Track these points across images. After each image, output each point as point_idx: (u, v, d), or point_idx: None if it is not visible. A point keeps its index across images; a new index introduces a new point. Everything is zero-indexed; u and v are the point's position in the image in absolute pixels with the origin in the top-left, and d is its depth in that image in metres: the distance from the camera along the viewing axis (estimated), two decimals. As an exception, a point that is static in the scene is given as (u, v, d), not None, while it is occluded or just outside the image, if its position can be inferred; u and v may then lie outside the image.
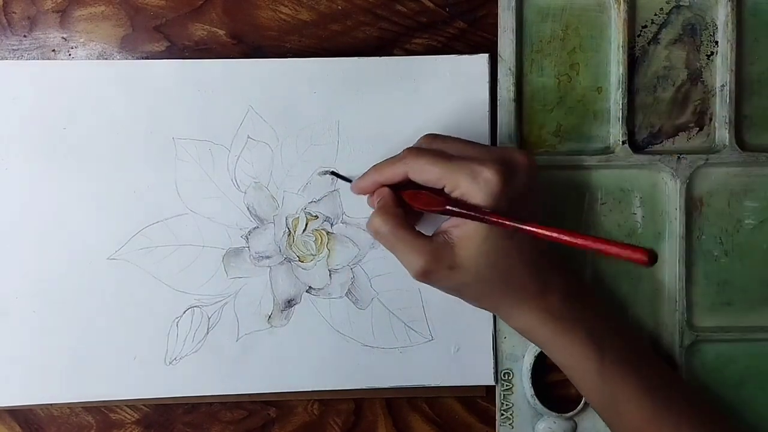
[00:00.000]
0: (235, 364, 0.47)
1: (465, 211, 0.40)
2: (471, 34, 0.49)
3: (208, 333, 0.47)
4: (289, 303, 0.48)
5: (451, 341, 0.48)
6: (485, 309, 0.46)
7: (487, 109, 0.48)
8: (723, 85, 0.49)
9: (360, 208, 0.47)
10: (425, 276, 0.41)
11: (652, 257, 0.35)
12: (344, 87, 0.48)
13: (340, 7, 0.49)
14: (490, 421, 0.49)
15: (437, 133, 0.44)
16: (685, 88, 0.50)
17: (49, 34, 0.48)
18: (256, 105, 0.47)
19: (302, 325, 0.48)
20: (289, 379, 0.48)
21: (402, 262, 0.42)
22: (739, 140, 0.49)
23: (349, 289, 0.48)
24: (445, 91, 0.48)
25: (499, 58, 0.48)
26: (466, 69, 0.48)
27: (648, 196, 0.49)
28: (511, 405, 0.49)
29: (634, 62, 0.49)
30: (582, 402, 0.48)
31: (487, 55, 0.48)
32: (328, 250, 0.48)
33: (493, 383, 0.48)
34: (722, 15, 0.49)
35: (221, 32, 0.49)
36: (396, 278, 0.48)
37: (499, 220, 0.39)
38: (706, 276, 0.49)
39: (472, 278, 0.41)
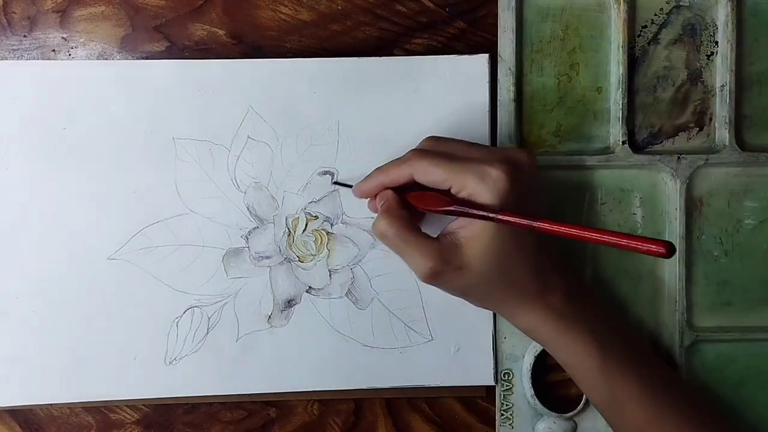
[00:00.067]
0: (235, 364, 0.47)
1: (475, 211, 0.40)
2: (471, 34, 0.49)
3: (208, 333, 0.47)
4: (289, 303, 0.48)
5: (451, 341, 0.48)
6: (489, 309, 0.46)
7: (487, 109, 0.48)
8: (723, 85, 0.49)
9: (360, 209, 0.47)
10: (433, 277, 0.41)
11: (671, 249, 0.35)
12: (344, 87, 0.48)
13: (340, 7, 0.49)
14: (490, 421, 0.49)
15: (439, 135, 0.44)
16: (685, 88, 0.50)
17: (49, 34, 0.48)
18: (256, 105, 0.47)
19: (302, 325, 0.48)
20: (289, 379, 0.48)
21: (409, 264, 0.42)
22: (739, 140, 0.49)
23: (349, 289, 0.48)
24: (445, 91, 0.48)
25: (499, 58, 0.48)
26: (466, 69, 0.48)
27: (648, 196, 0.49)
28: (511, 405, 0.49)
29: (634, 62, 0.49)
30: (582, 402, 0.48)
31: (487, 55, 0.48)
32: (328, 250, 0.48)
33: (493, 383, 0.48)
34: (722, 15, 0.49)
35: (221, 32, 0.49)
36: (396, 278, 0.48)
37: (512, 219, 0.39)
38: (706, 276, 0.49)
39: (478, 278, 0.41)
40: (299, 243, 0.48)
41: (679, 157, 0.48)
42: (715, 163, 0.49)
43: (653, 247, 0.35)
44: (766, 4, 0.49)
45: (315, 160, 0.48)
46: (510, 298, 0.43)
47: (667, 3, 0.49)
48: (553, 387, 0.49)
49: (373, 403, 0.49)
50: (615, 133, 0.49)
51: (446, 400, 0.49)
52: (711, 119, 0.50)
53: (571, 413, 0.48)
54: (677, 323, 0.48)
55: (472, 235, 0.41)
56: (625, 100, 0.48)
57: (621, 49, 0.48)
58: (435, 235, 0.42)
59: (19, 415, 0.48)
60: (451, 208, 0.41)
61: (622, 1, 0.48)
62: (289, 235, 0.48)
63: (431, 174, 0.41)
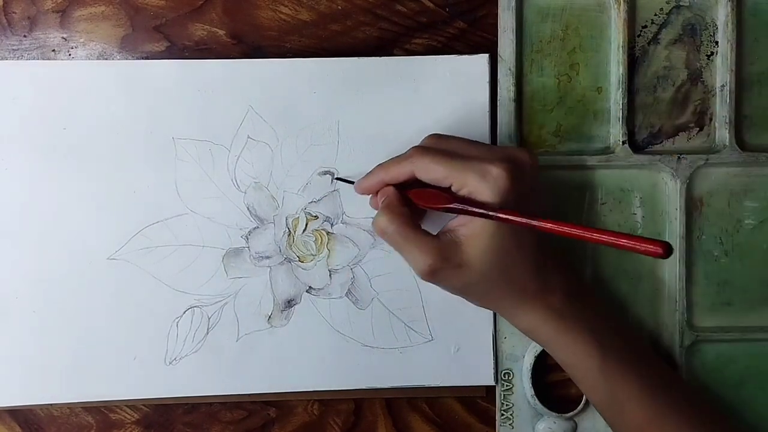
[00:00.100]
0: (235, 364, 0.47)
1: (476, 209, 0.40)
2: (471, 34, 0.49)
3: (208, 333, 0.47)
4: (289, 303, 0.48)
5: (451, 341, 0.48)
6: (488, 308, 0.46)
7: (487, 109, 0.48)
8: (723, 85, 0.49)
9: (360, 209, 0.47)
10: (432, 275, 0.41)
11: (668, 250, 0.35)
12: (344, 87, 0.48)
13: (340, 7, 0.49)
14: (490, 421, 0.49)
15: (441, 133, 0.44)
16: (685, 88, 0.50)
17: (49, 34, 0.48)
18: (256, 105, 0.47)
19: (302, 325, 0.48)
20: (289, 379, 0.48)
21: (408, 261, 0.42)
22: (739, 140, 0.49)
23: (349, 289, 0.48)
24: (445, 91, 0.48)
25: (499, 58, 0.48)
26: (466, 69, 0.48)
27: (648, 196, 0.49)
28: (511, 405, 0.49)
29: (634, 62, 0.49)
30: (582, 402, 0.48)
31: (487, 55, 0.48)
32: (328, 250, 0.48)
33: (493, 383, 0.48)
34: (722, 15, 0.49)
35: (221, 32, 0.49)
36: (396, 278, 0.48)
37: (512, 217, 0.39)
38: (706, 276, 0.49)
39: (478, 277, 0.41)
40: (299, 243, 0.48)
41: (679, 157, 0.48)
42: (715, 163, 0.49)
43: (651, 248, 0.35)
44: (766, 4, 0.49)
45: (315, 160, 0.48)
46: (509, 297, 0.43)
47: (667, 3, 0.49)
48: (553, 387, 0.49)
49: (373, 403, 0.49)
50: (615, 133, 0.49)
51: (446, 400, 0.49)
52: (711, 119, 0.50)
53: (571, 413, 0.48)
54: (677, 323, 0.48)
55: (472, 233, 0.41)
56: (625, 100, 0.48)
57: (621, 49, 0.48)
58: (435, 233, 0.42)
59: (19, 415, 0.48)
60: (452, 206, 0.41)
61: (622, 1, 0.48)
62: (289, 235, 0.48)
63: (432, 171, 0.41)
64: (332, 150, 0.48)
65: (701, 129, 0.50)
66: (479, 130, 0.48)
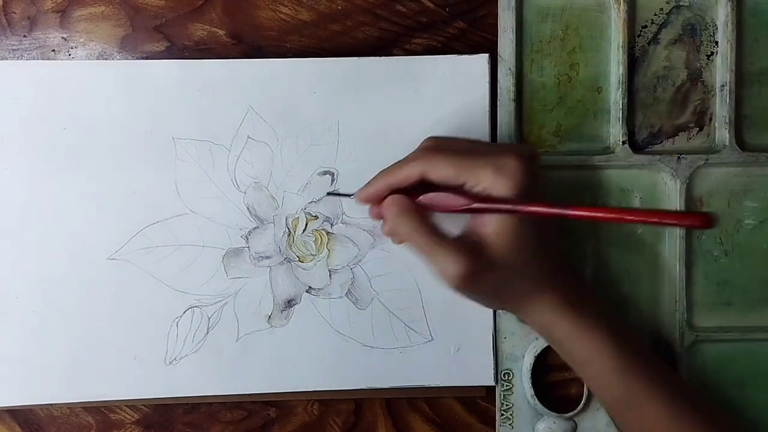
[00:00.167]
0: (235, 364, 0.47)
1: (502, 205, 0.39)
2: (471, 34, 0.49)
3: (208, 333, 0.47)
4: (289, 303, 0.48)
5: (451, 341, 0.48)
6: (506, 307, 0.45)
7: (487, 109, 0.48)
8: (723, 85, 0.49)
9: (360, 209, 0.47)
10: (466, 279, 0.39)
11: (713, 220, 0.35)
12: (344, 87, 0.48)
13: (340, 7, 0.49)
14: (490, 422, 0.49)
15: (438, 135, 0.44)
16: (685, 88, 0.50)
17: (49, 34, 0.48)
18: (256, 105, 0.47)
19: (302, 325, 0.48)
20: (289, 379, 0.48)
21: (439, 268, 0.39)
22: (739, 140, 0.49)
23: (349, 289, 0.48)
24: (445, 91, 0.48)
25: (499, 58, 0.48)
26: (466, 69, 0.48)
27: (648, 196, 0.49)
28: (511, 405, 0.49)
29: (634, 62, 0.49)
30: (582, 402, 0.48)
31: (487, 55, 0.48)
32: (328, 250, 0.48)
33: (493, 383, 0.48)
34: (722, 15, 0.49)
35: (221, 32, 0.49)
36: (396, 278, 0.48)
37: (542, 209, 0.38)
38: (706, 276, 0.49)
39: (508, 274, 0.40)
40: (299, 243, 0.48)
41: (679, 157, 0.48)
42: (715, 163, 0.49)
43: (693, 221, 0.35)
44: (766, 4, 0.49)
45: (315, 160, 0.48)
46: (531, 292, 0.41)
47: (667, 3, 0.49)
48: (553, 387, 0.49)
49: (373, 403, 0.49)
50: (615, 133, 0.49)
51: (446, 400, 0.49)
52: (711, 119, 0.50)
53: (571, 413, 0.48)
54: (677, 323, 0.48)
55: (496, 231, 0.39)
56: (625, 100, 0.48)
57: (621, 49, 0.48)
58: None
59: (19, 415, 0.48)
60: (474, 205, 0.39)
61: (622, 1, 0.48)
62: (289, 235, 0.48)
63: (443, 170, 0.40)
64: (332, 150, 0.48)
65: (701, 129, 0.50)
66: (479, 130, 0.48)
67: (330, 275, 0.48)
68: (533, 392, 0.48)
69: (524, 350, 0.49)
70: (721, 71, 0.49)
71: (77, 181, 0.47)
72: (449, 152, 0.40)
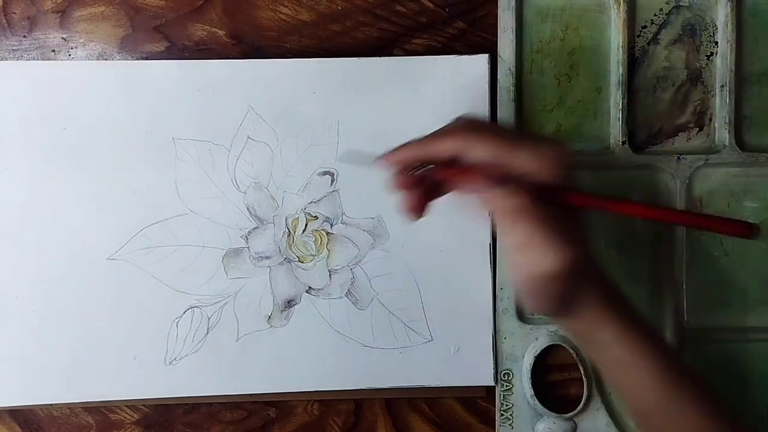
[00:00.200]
0: (235, 364, 0.47)
1: (600, 200, 0.37)
2: (471, 34, 0.49)
3: (208, 333, 0.47)
4: (289, 303, 0.48)
5: (451, 341, 0.48)
6: (561, 312, 0.40)
7: (487, 110, 0.48)
8: (723, 85, 0.49)
9: (360, 209, 0.47)
10: (573, 265, 0.36)
11: (755, 230, 0.35)
12: (344, 87, 0.48)
13: (340, 8, 0.49)
14: (490, 422, 0.49)
15: (471, 114, 0.40)
16: (685, 88, 0.50)
17: (49, 35, 0.48)
18: (256, 105, 0.47)
19: (302, 325, 0.48)
20: (289, 379, 0.48)
21: (546, 253, 0.35)
22: (739, 140, 0.49)
23: (348, 290, 0.48)
24: (445, 91, 0.48)
25: (499, 59, 0.48)
26: (466, 69, 0.48)
27: (648, 196, 0.49)
28: (511, 405, 0.49)
29: (634, 62, 0.49)
30: (582, 402, 0.48)
31: (487, 55, 0.48)
32: (328, 250, 0.48)
33: (493, 383, 0.48)
34: (722, 15, 0.49)
35: (221, 32, 0.49)
36: (396, 278, 0.48)
37: (628, 205, 0.37)
38: (706, 276, 0.49)
39: (590, 267, 0.38)
40: (299, 243, 0.48)
41: (679, 157, 0.48)
42: (715, 164, 0.49)
43: (735, 229, 0.35)
44: (766, 4, 0.49)
45: (315, 160, 0.48)
46: (587, 292, 0.39)
47: (667, 3, 0.49)
48: (553, 387, 0.49)
49: (373, 403, 0.49)
50: (615, 133, 0.49)
51: (446, 400, 0.49)
52: (711, 119, 0.50)
53: (571, 413, 0.48)
54: (677, 323, 0.48)
55: (576, 224, 0.37)
56: (625, 100, 0.48)
57: (621, 49, 0.48)
58: None
59: (19, 415, 0.48)
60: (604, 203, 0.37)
61: (622, 2, 0.48)
62: (289, 235, 0.48)
63: (485, 149, 0.36)
64: (332, 150, 0.48)
65: (701, 129, 0.50)
66: (479, 130, 0.48)
67: (330, 275, 0.48)
68: (533, 392, 0.48)
69: (524, 350, 0.49)
70: (721, 71, 0.49)
71: (77, 181, 0.47)
72: (491, 132, 0.38)
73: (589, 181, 0.49)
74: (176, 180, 0.47)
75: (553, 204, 0.36)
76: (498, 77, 0.48)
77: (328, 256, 0.48)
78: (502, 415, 0.49)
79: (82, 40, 0.48)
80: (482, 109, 0.48)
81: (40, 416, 0.48)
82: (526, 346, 0.48)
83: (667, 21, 0.49)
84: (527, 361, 0.48)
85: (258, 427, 0.49)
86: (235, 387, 0.47)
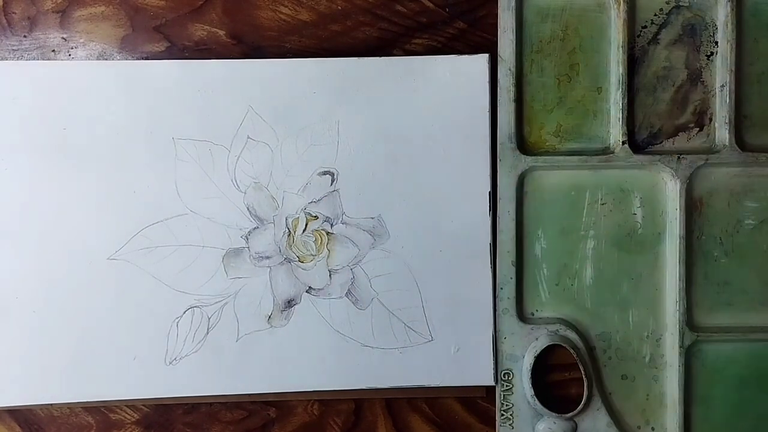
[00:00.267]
0: (235, 364, 0.47)
1: None
2: (471, 34, 0.49)
3: (208, 333, 0.47)
4: (289, 303, 0.48)
5: (451, 341, 0.48)
6: None
7: (487, 109, 0.48)
8: (723, 85, 0.49)
9: (360, 209, 0.47)
10: None
11: None
12: (344, 87, 0.48)
13: (340, 8, 0.49)
14: (490, 422, 0.49)
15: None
16: (685, 88, 0.50)
17: (49, 35, 0.48)
18: (256, 105, 0.47)
19: (302, 326, 0.48)
20: (289, 379, 0.48)
21: None
22: (739, 140, 0.49)
23: (348, 290, 0.48)
24: (445, 91, 0.48)
25: (499, 58, 0.48)
26: (466, 69, 0.48)
27: (648, 196, 0.49)
28: (511, 405, 0.49)
29: (634, 62, 0.49)
30: (582, 402, 0.48)
31: (487, 55, 0.48)
32: (328, 250, 0.48)
33: (493, 383, 0.48)
34: (722, 15, 0.49)
35: (221, 32, 0.49)
36: (396, 278, 0.48)
37: None
38: (706, 276, 0.49)
39: None
40: (299, 243, 0.48)
41: (679, 157, 0.48)
42: (715, 163, 0.49)
43: None
44: (766, 4, 0.49)
45: (315, 160, 0.48)
46: None
47: (667, 3, 0.49)
48: (553, 387, 0.49)
49: (373, 403, 0.49)
50: (615, 133, 0.49)
51: (446, 400, 0.49)
52: (711, 119, 0.50)
53: (571, 413, 0.48)
54: (677, 323, 0.48)
55: None
56: (625, 100, 0.48)
57: (621, 49, 0.48)
58: None
59: (19, 415, 0.48)
60: None
61: (622, 1, 0.48)
62: (289, 235, 0.48)
63: None
64: (332, 150, 0.48)
65: (701, 129, 0.50)
66: (479, 130, 0.48)
67: (330, 275, 0.48)
68: (533, 392, 0.48)
69: (524, 350, 0.49)
70: (721, 71, 0.49)
71: (77, 181, 0.47)
72: None
73: (590, 181, 0.49)
74: (176, 180, 0.47)
75: None
76: (498, 77, 0.48)
77: (328, 256, 0.48)
78: (503, 415, 0.49)
79: (82, 40, 0.48)
80: (482, 109, 0.48)
81: (40, 416, 0.48)
82: (527, 346, 0.48)
83: (667, 21, 0.49)
84: (527, 361, 0.48)
85: (258, 427, 0.49)
86: (235, 387, 0.47)
